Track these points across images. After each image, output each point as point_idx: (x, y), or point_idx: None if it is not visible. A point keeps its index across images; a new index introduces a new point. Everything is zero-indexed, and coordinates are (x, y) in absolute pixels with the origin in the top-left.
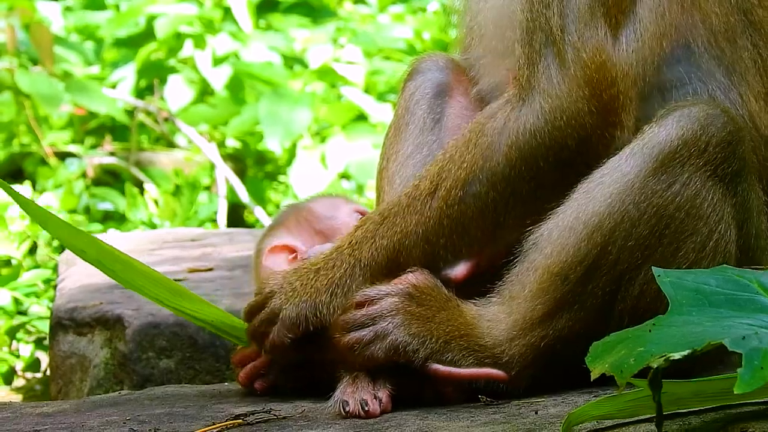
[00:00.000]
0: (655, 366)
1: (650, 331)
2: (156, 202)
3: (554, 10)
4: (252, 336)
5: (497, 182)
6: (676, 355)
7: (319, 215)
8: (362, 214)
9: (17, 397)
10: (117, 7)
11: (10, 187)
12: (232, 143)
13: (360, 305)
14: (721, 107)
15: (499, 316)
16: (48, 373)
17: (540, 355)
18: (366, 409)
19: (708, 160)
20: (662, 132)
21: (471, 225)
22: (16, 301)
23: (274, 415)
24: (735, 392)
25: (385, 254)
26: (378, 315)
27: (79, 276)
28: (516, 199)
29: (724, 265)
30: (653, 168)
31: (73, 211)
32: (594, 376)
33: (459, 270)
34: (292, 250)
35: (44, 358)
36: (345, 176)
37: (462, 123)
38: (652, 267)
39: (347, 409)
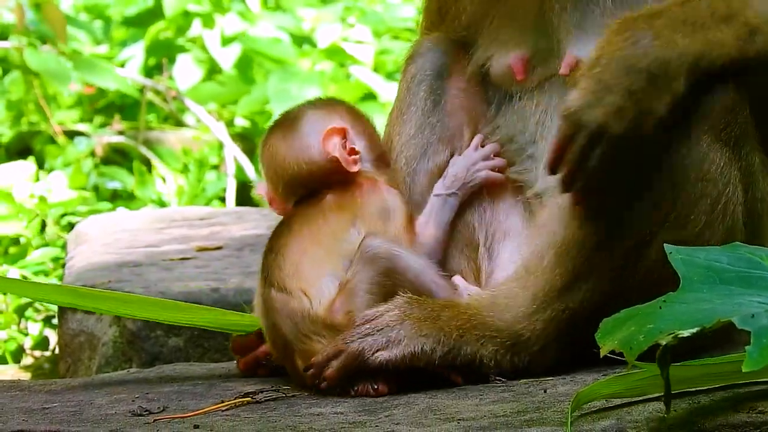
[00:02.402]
0: (664, 343)
1: (660, 308)
2: (163, 179)
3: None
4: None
5: None
6: (685, 333)
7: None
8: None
9: (26, 376)
10: None
11: None
12: (240, 122)
13: (358, 327)
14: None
15: (515, 291)
16: (56, 351)
17: (563, 329)
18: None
19: (712, 124)
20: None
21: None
22: (25, 279)
23: (283, 393)
24: (743, 371)
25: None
26: (385, 326)
27: (87, 254)
28: None
29: (737, 242)
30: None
31: (81, 190)
32: (603, 352)
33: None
34: (346, 138)
35: (53, 336)
36: None
37: (462, 104)
38: (664, 244)
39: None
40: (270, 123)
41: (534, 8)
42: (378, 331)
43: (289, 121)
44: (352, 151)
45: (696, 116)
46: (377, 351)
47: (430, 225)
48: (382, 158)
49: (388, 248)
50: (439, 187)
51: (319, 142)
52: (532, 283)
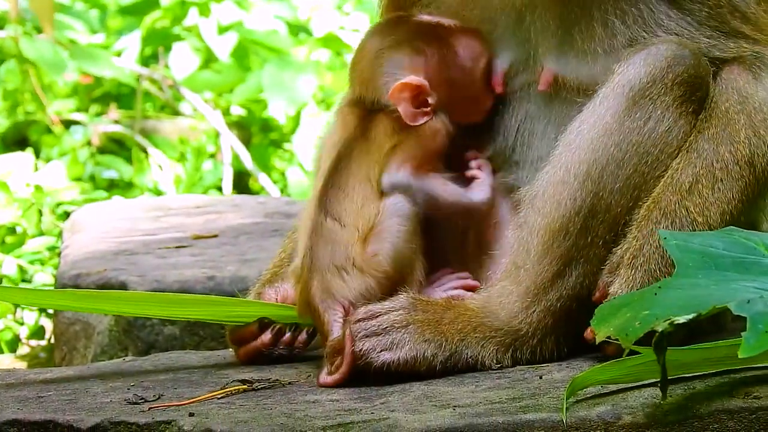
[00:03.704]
0: (660, 330)
1: (656, 294)
2: (160, 168)
3: (733, 16)
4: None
5: None
6: (681, 319)
7: (461, 64)
8: (491, 65)
9: (22, 365)
10: None
11: None
12: (237, 111)
13: (364, 321)
14: (690, 48)
15: (508, 288)
16: (52, 340)
17: (559, 318)
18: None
19: (675, 96)
20: (631, 70)
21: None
22: (21, 269)
23: (279, 381)
24: (739, 356)
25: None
26: (390, 326)
27: (83, 243)
28: None
29: (732, 227)
30: (626, 107)
31: (78, 179)
32: (599, 339)
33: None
34: (419, 93)
35: (48, 325)
36: None
37: None
38: (659, 231)
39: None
40: (369, 29)
41: (512, 22)
42: (383, 330)
43: (372, 51)
44: (424, 104)
45: (656, 90)
46: (381, 351)
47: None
48: (462, 103)
49: (406, 203)
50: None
51: (387, 91)
52: (523, 277)
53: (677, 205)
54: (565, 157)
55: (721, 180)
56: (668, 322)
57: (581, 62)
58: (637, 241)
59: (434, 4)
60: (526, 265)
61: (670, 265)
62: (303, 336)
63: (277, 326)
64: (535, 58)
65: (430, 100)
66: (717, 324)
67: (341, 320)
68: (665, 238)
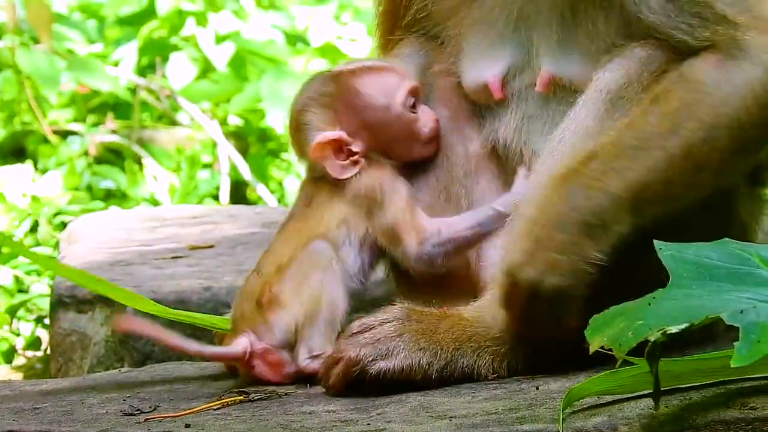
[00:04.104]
0: (653, 340)
1: (650, 304)
2: (155, 178)
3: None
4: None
5: (733, 128)
6: (674, 329)
7: (371, 103)
8: (415, 95)
9: (18, 376)
10: None
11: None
12: (234, 121)
13: (358, 334)
14: (664, 47)
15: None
16: (48, 351)
17: None
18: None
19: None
20: (607, 75)
21: (708, 166)
22: (17, 280)
23: (275, 392)
24: (732, 366)
25: (632, 194)
26: (383, 337)
27: (80, 254)
28: (746, 144)
29: (726, 239)
30: (605, 110)
31: (75, 189)
32: (592, 349)
33: None
34: (340, 145)
35: (45, 336)
36: None
37: (449, 98)
38: (654, 240)
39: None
40: (296, 92)
41: (509, 25)
42: (376, 341)
43: (293, 112)
44: (350, 154)
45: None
46: (376, 360)
47: (457, 223)
48: (395, 141)
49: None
50: (500, 203)
51: (309, 152)
52: None
53: (571, 172)
54: (549, 164)
55: (634, 148)
56: (661, 332)
57: (576, 62)
58: (531, 208)
59: (429, 14)
60: None
61: (558, 243)
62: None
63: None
64: (532, 60)
65: (355, 149)
66: (711, 335)
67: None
68: (660, 248)
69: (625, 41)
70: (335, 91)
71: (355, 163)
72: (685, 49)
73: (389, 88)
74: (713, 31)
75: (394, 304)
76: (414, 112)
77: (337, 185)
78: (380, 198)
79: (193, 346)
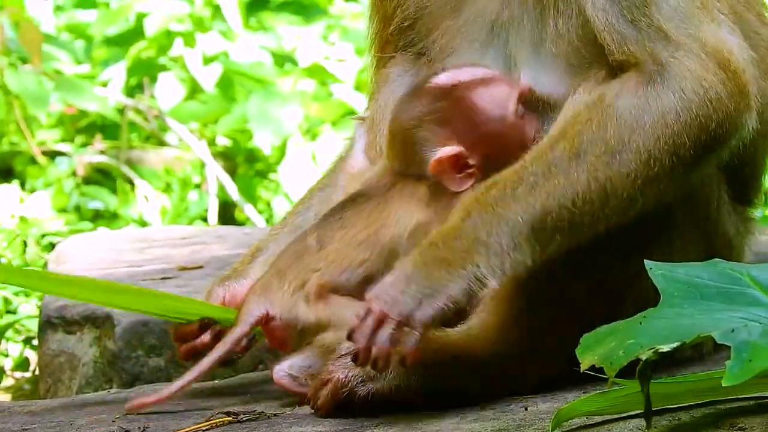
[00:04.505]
0: (644, 358)
1: (641, 323)
2: (146, 198)
3: (659, 11)
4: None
5: (641, 154)
6: (665, 348)
7: (487, 117)
8: (523, 101)
9: (6, 397)
10: (107, 5)
11: None
12: (222, 141)
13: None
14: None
15: (486, 321)
16: (37, 372)
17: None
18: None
19: None
20: (577, 98)
21: (614, 193)
22: (6, 301)
23: (264, 413)
24: (723, 385)
25: (530, 221)
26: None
27: (68, 274)
28: (657, 173)
29: (716, 259)
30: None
31: (63, 210)
32: (583, 367)
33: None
34: (459, 160)
35: (33, 357)
36: None
37: None
38: (644, 260)
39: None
40: (397, 105)
41: (491, 35)
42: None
43: (401, 128)
44: (466, 167)
45: None
46: (365, 381)
47: None
48: (506, 150)
49: None
50: None
51: (426, 167)
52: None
53: (472, 200)
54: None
55: (535, 174)
56: (652, 350)
57: (551, 74)
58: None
59: (413, 30)
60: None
61: (451, 248)
62: (243, 341)
63: (218, 328)
64: (512, 70)
65: (471, 162)
66: (699, 355)
67: (253, 320)
68: (650, 268)
69: (593, 57)
70: (450, 107)
71: (471, 175)
72: (615, 64)
73: (502, 99)
74: (642, 46)
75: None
76: (523, 119)
77: (437, 195)
78: None
79: (218, 352)
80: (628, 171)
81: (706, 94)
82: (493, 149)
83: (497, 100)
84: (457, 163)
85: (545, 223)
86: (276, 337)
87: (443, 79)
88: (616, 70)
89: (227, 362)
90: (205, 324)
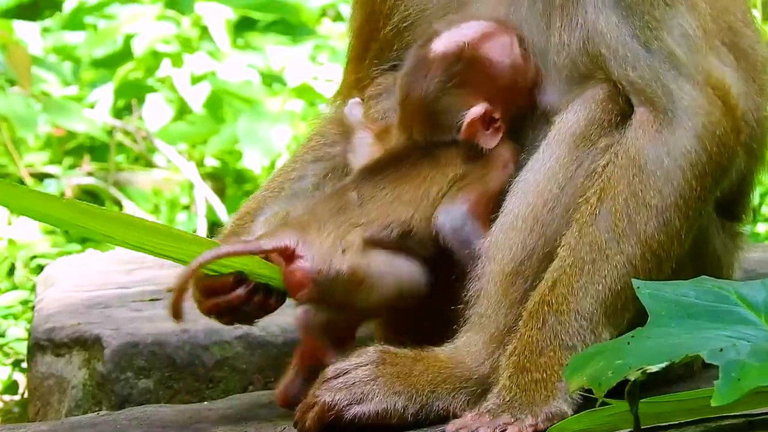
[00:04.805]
0: (633, 378)
1: (629, 343)
2: None
3: (670, 36)
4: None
5: (680, 208)
6: (654, 368)
7: (501, 69)
8: (522, 42)
9: None
10: (94, 27)
11: None
12: (211, 162)
13: (332, 379)
14: (618, 88)
15: (473, 338)
16: (26, 395)
17: None
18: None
19: (614, 135)
20: (570, 116)
21: (667, 252)
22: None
23: None
24: (712, 405)
25: (604, 310)
26: (358, 381)
27: (57, 296)
28: (692, 219)
29: (704, 277)
30: (568, 151)
31: (51, 233)
32: (572, 389)
33: None
34: (486, 117)
35: (22, 380)
36: None
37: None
38: (632, 279)
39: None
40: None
41: None
42: (350, 385)
43: (422, 99)
44: (493, 122)
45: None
46: (351, 405)
47: None
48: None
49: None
50: None
51: (455, 132)
52: (486, 324)
53: (540, 303)
54: (513, 204)
55: (593, 261)
56: (641, 370)
57: (551, 85)
58: (511, 344)
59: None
60: (488, 312)
61: (542, 366)
62: (273, 300)
63: (252, 284)
64: None
65: (496, 115)
66: (689, 373)
67: (279, 244)
68: (638, 287)
69: (591, 71)
70: (465, 69)
71: (499, 129)
72: (627, 86)
73: (508, 47)
74: (654, 72)
75: (369, 347)
76: (525, 59)
77: (468, 156)
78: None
79: (240, 246)
80: (673, 227)
81: (715, 129)
82: (511, 97)
83: (505, 50)
84: (485, 120)
85: (617, 306)
86: (295, 280)
87: (447, 43)
88: (620, 89)
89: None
90: (240, 279)
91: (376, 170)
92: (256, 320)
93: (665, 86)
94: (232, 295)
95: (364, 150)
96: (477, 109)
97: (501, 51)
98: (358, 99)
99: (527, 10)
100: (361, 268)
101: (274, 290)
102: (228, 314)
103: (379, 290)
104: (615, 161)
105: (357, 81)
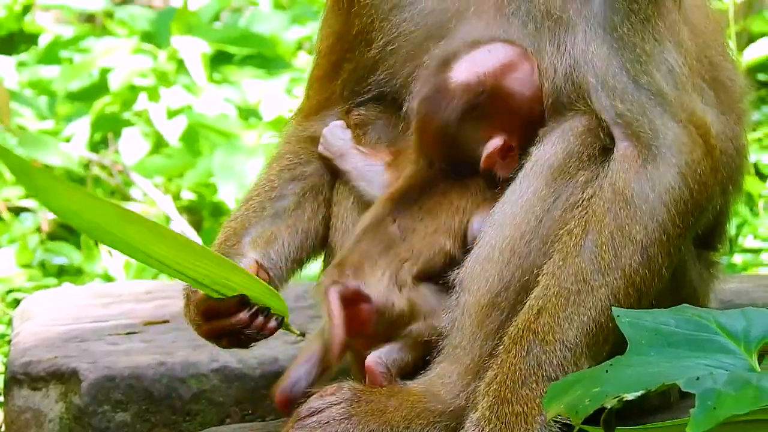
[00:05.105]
0: (609, 407)
1: (607, 371)
2: (110, 253)
3: (658, 72)
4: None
5: (664, 242)
6: (630, 396)
7: (522, 100)
8: (539, 69)
9: None
10: (70, 61)
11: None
12: (187, 195)
13: (306, 418)
14: (600, 118)
15: (447, 369)
16: (3, 428)
17: None
18: None
19: (593, 169)
20: (548, 148)
21: (647, 287)
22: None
23: None
24: None
25: (586, 341)
26: (332, 420)
27: (34, 330)
28: (672, 255)
29: (684, 305)
30: (546, 183)
31: (27, 266)
32: (549, 416)
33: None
34: (505, 147)
35: None
36: None
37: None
38: (612, 308)
39: None
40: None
41: None
42: (324, 424)
43: (442, 127)
44: (510, 151)
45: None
46: None
47: None
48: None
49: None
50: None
51: (481, 159)
52: (460, 356)
53: (525, 330)
54: (490, 236)
55: (578, 293)
56: (617, 398)
57: None
58: (491, 371)
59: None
60: (462, 344)
61: (523, 398)
62: (272, 324)
63: (255, 307)
64: None
65: (513, 144)
66: (667, 402)
67: (347, 291)
68: (618, 315)
69: (572, 100)
70: (487, 101)
71: (514, 158)
72: (611, 118)
73: (529, 77)
74: (640, 106)
75: (343, 384)
76: (542, 88)
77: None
78: None
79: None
80: (656, 263)
81: (696, 168)
82: (529, 127)
83: (527, 82)
84: (504, 151)
85: (599, 338)
86: (359, 319)
87: (469, 71)
88: (599, 122)
89: (246, 341)
90: (244, 301)
91: (409, 200)
92: (253, 344)
93: (651, 121)
94: (234, 318)
95: (380, 179)
96: (496, 142)
97: (523, 83)
98: (341, 122)
99: (517, 34)
100: (417, 303)
101: (273, 314)
102: (228, 337)
103: (431, 322)
104: (600, 194)
105: (326, 101)
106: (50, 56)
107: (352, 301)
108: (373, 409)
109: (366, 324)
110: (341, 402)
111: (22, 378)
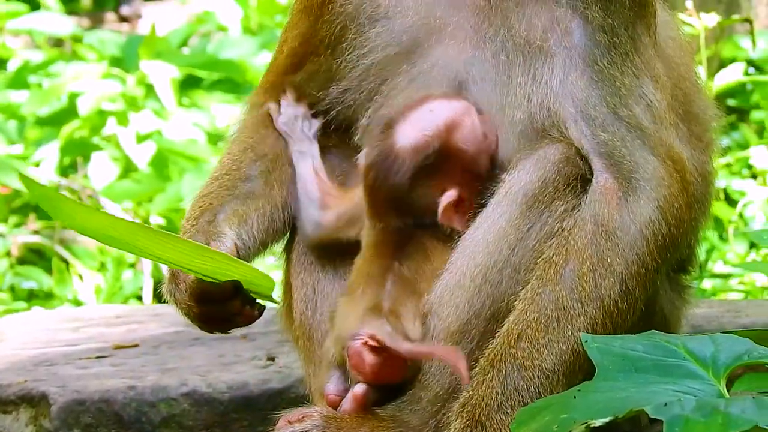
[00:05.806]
0: None
1: (575, 397)
2: (80, 277)
3: (637, 105)
4: None
5: (642, 275)
6: (597, 422)
7: (471, 155)
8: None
9: None
10: (39, 86)
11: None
12: (156, 220)
13: None
14: (575, 147)
15: (417, 395)
16: None
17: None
18: None
19: (567, 199)
20: (522, 176)
21: (622, 318)
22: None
23: None
24: None
25: (563, 368)
26: None
27: (3, 354)
28: (648, 287)
29: (653, 331)
30: (520, 212)
31: None
32: None
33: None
34: (459, 200)
35: None
36: None
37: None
38: (580, 333)
39: None
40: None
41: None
42: None
43: (394, 186)
44: (462, 202)
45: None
46: None
47: None
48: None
49: None
50: None
51: (437, 212)
52: (429, 382)
53: (504, 354)
54: (461, 263)
55: (557, 320)
56: (585, 425)
57: (507, 141)
58: (466, 392)
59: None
60: (432, 370)
61: (497, 423)
62: (257, 311)
63: (248, 294)
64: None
65: (465, 196)
66: (638, 429)
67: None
68: (586, 341)
69: (546, 129)
70: (436, 159)
71: (466, 209)
72: (591, 148)
73: (473, 129)
74: (621, 139)
75: (313, 412)
76: (485, 136)
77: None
78: None
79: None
80: (633, 296)
81: (673, 202)
82: (479, 176)
83: (471, 136)
84: (458, 204)
85: (575, 367)
86: (370, 363)
87: (414, 135)
88: (576, 151)
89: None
90: (237, 287)
91: (398, 246)
92: (232, 329)
93: (632, 153)
94: (229, 304)
95: (315, 203)
96: (449, 195)
97: (468, 138)
98: (301, 109)
99: (490, 60)
100: (428, 346)
101: (257, 304)
102: (218, 322)
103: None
104: (581, 225)
105: (281, 84)
106: (19, 81)
107: (378, 344)
108: None
109: (398, 372)
110: (312, 429)
111: None
